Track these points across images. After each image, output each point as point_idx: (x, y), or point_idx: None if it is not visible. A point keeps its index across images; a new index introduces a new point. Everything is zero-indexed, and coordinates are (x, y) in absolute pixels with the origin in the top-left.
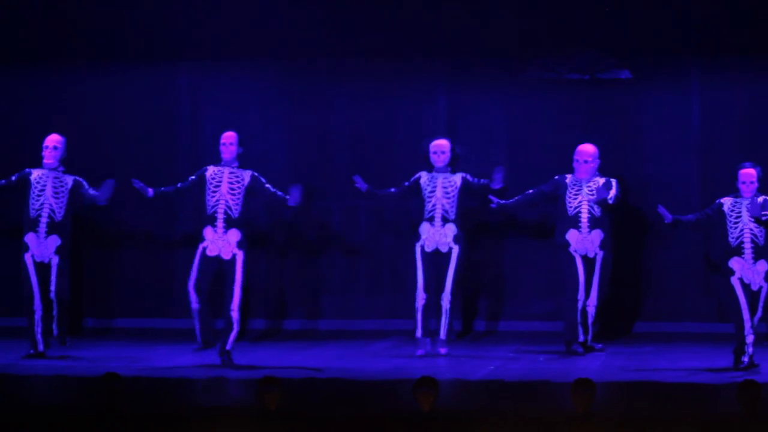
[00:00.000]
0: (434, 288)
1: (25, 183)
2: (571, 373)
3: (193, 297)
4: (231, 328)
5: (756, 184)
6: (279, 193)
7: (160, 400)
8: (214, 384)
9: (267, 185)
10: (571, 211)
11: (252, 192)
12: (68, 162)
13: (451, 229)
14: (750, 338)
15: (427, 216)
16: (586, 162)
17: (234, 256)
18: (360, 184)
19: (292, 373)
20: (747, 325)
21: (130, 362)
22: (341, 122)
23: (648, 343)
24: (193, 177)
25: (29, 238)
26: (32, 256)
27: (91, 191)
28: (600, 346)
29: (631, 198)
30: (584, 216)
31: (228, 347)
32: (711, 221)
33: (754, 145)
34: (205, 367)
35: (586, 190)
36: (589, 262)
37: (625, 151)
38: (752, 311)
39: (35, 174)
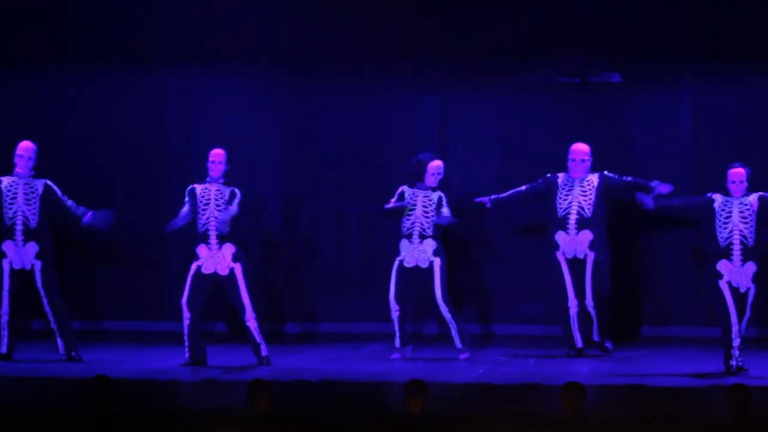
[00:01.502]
0: (420, 299)
1: None
2: (561, 376)
3: (186, 314)
4: (253, 338)
5: (745, 184)
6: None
7: (149, 403)
8: (204, 387)
9: (236, 202)
10: (560, 212)
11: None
12: (59, 166)
13: (429, 244)
14: (737, 342)
15: (405, 232)
16: (583, 161)
17: (232, 270)
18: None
19: (281, 375)
20: (734, 329)
21: (120, 365)
22: (332, 126)
23: (638, 347)
24: (187, 198)
25: (7, 246)
26: (10, 263)
27: (69, 201)
28: (610, 345)
29: (622, 202)
30: (572, 218)
31: (264, 353)
32: (698, 210)
33: (745, 147)
34: (195, 369)
35: (578, 189)
36: (579, 264)
37: (616, 154)
38: (740, 314)
39: (5, 182)
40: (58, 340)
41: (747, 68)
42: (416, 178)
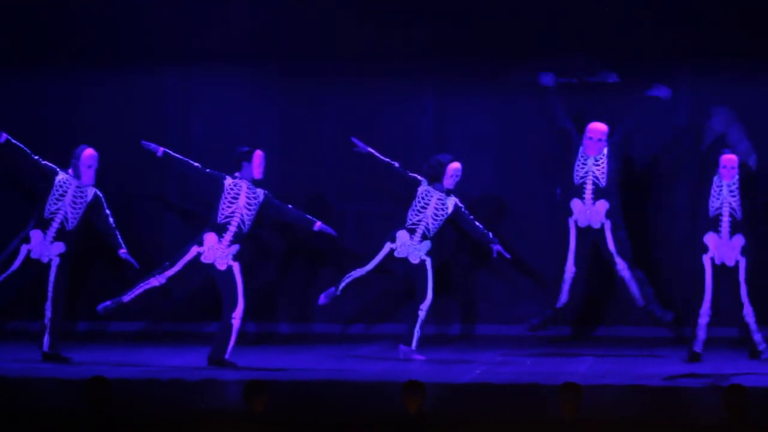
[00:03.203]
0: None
1: (48, 181)
2: (558, 376)
3: (161, 280)
4: (229, 336)
5: (736, 170)
6: (305, 215)
7: (147, 403)
8: (202, 387)
9: (276, 201)
10: (576, 179)
11: (264, 208)
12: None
13: (426, 245)
14: (704, 319)
15: (409, 225)
16: (599, 140)
17: (230, 267)
18: (361, 147)
19: (279, 375)
20: (704, 306)
21: (119, 365)
22: (331, 126)
23: (636, 347)
24: (212, 174)
25: (35, 234)
26: (29, 251)
27: (111, 219)
28: (660, 313)
29: (627, 203)
30: (588, 187)
31: (227, 356)
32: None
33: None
34: (194, 369)
35: (592, 161)
36: (597, 233)
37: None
38: (736, 295)
39: (60, 176)
40: (46, 337)
41: (745, 68)
42: (434, 179)
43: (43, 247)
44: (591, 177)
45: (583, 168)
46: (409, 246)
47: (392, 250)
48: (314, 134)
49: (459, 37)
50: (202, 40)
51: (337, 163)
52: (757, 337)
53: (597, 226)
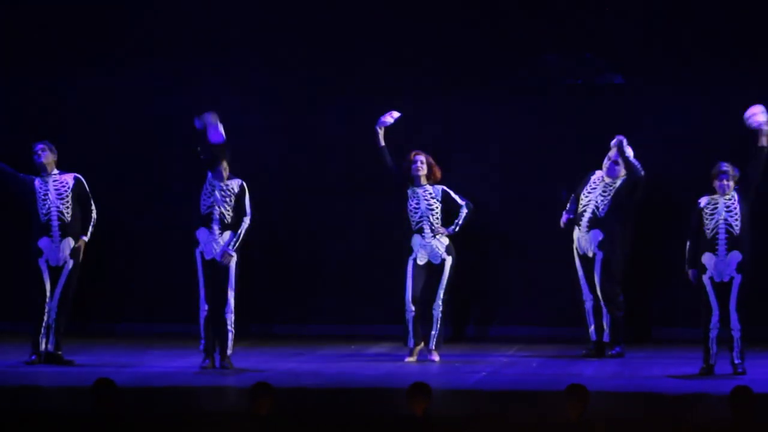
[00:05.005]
0: (425, 299)
1: (31, 189)
2: (564, 379)
3: (204, 306)
4: (227, 333)
5: (732, 182)
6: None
7: (152, 406)
8: (207, 389)
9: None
10: (580, 208)
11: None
12: (65, 169)
13: (442, 239)
14: (713, 333)
15: (415, 227)
16: (618, 164)
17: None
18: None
19: (284, 378)
20: (713, 319)
21: (125, 367)
22: (335, 127)
23: (647, 348)
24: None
25: (43, 242)
26: (47, 261)
27: (92, 205)
28: (616, 350)
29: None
30: (586, 215)
31: (228, 352)
32: (694, 224)
33: (750, 148)
34: (198, 372)
35: (600, 188)
36: (588, 261)
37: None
38: (723, 307)
39: (37, 181)
40: (51, 338)
41: (751, 69)
42: (408, 179)
43: (57, 250)
44: (592, 206)
45: (587, 197)
46: (425, 246)
47: (415, 261)
48: (319, 134)
49: (464, 38)
50: (209, 38)
51: (343, 163)
52: (735, 356)
53: (590, 255)
